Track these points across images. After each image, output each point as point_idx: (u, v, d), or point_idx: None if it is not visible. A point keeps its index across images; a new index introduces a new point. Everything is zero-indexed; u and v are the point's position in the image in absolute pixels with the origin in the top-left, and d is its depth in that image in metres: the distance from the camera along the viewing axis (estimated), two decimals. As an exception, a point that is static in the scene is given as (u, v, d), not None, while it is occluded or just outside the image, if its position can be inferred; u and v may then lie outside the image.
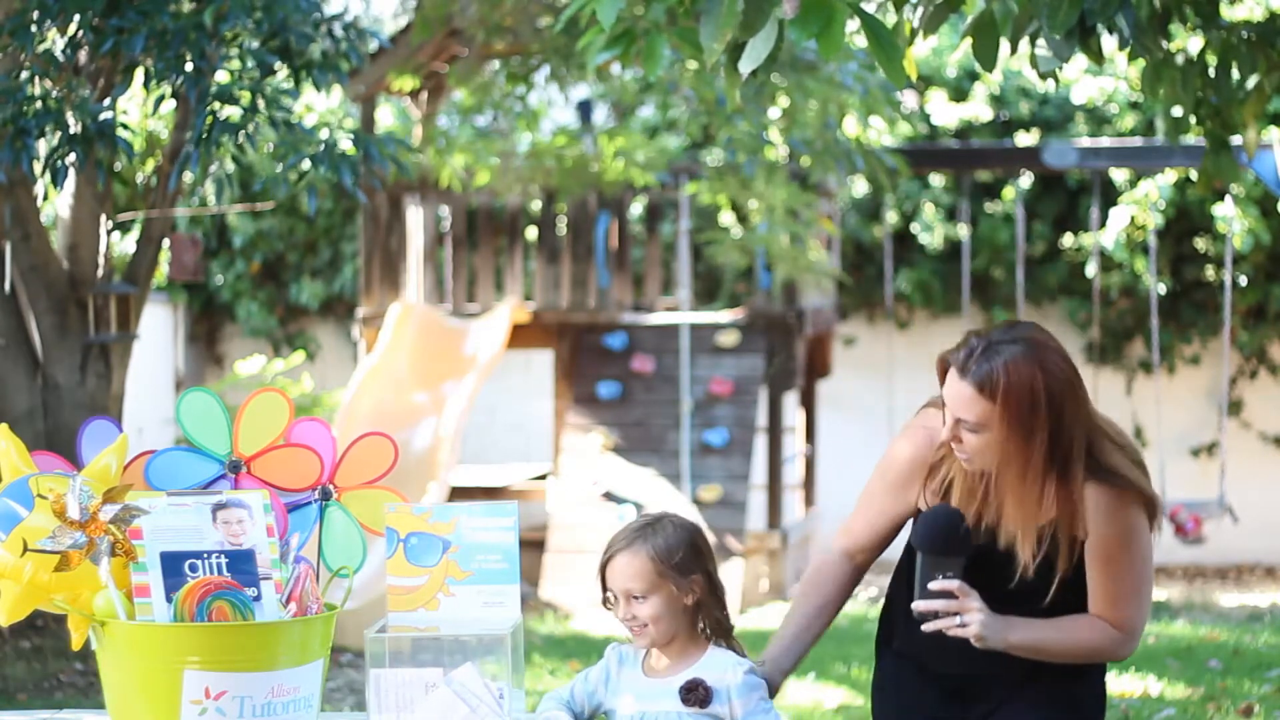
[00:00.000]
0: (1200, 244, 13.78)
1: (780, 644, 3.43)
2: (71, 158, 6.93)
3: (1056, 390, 3.21)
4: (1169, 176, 13.39)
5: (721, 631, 3.31)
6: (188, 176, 8.18)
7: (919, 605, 3.26)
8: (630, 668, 3.31)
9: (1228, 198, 12.84)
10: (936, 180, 13.97)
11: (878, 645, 3.62)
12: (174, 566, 2.95)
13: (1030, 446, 3.21)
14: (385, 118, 14.60)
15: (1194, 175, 13.23)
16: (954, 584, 3.24)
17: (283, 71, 7.37)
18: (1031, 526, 3.26)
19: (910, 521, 3.42)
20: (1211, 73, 5.39)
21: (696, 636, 3.29)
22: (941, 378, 3.27)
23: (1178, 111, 5.61)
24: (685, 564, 3.25)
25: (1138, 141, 13.12)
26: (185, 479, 3.21)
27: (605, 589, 3.29)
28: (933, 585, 3.24)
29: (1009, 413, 3.20)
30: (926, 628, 3.26)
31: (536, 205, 12.13)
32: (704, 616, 3.29)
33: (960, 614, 3.24)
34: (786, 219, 11.13)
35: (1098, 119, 13.97)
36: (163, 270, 12.79)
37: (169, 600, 2.94)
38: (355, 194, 7.35)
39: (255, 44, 7.26)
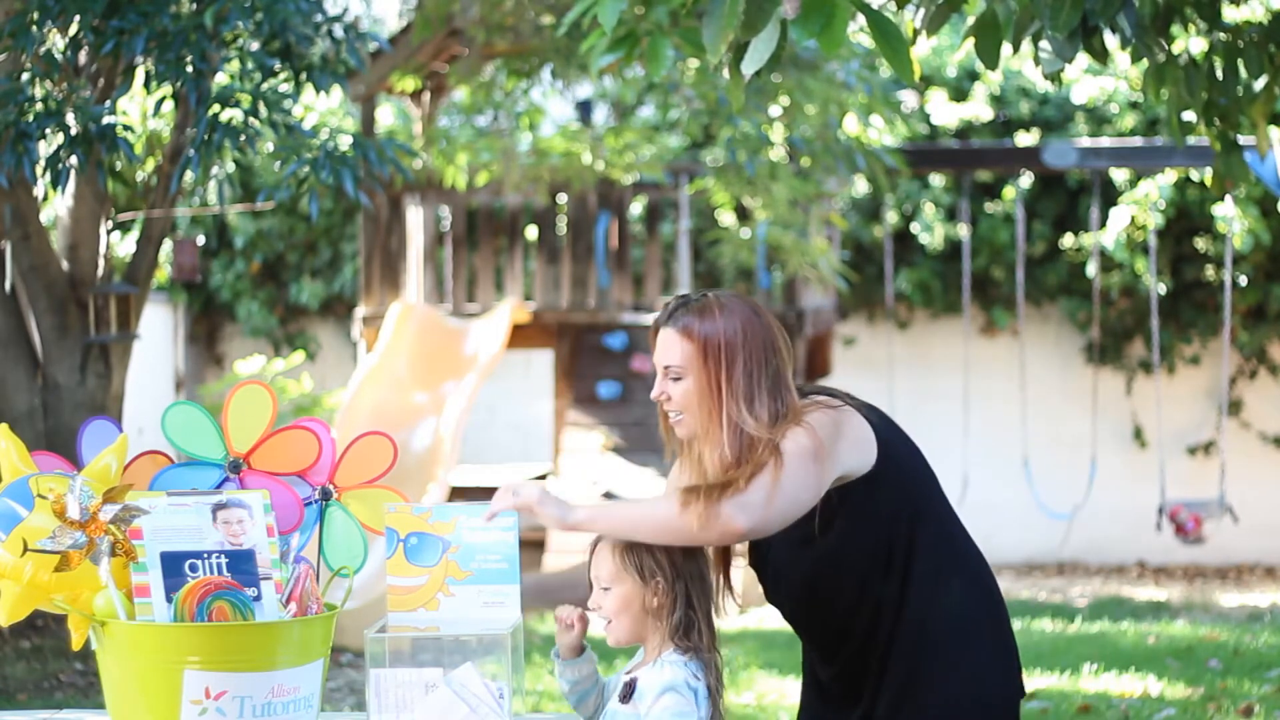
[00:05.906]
0: (1200, 244, 13.77)
1: None
2: (73, 160, 6.92)
3: (755, 337, 3.25)
4: (1169, 176, 13.38)
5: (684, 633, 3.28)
6: (188, 177, 8.17)
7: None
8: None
9: (1228, 198, 12.84)
10: (936, 180, 13.96)
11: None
12: (174, 566, 2.95)
13: (724, 387, 3.22)
14: (385, 117, 14.59)
15: (1194, 175, 13.23)
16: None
17: (283, 73, 7.36)
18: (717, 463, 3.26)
19: None
20: (1219, 74, 5.38)
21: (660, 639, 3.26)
22: (653, 343, 3.33)
23: (1189, 116, 5.59)
24: (651, 566, 3.26)
25: (1138, 141, 13.12)
26: (191, 491, 3.21)
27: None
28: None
29: (706, 352, 3.23)
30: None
31: (540, 203, 12.12)
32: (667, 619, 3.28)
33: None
34: (791, 211, 11.11)
35: (1098, 119, 13.96)
36: (163, 270, 12.81)
37: (169, 600, 2.94)
38: (358, 198, 7.34)
39: (255, 45, 7.25)
